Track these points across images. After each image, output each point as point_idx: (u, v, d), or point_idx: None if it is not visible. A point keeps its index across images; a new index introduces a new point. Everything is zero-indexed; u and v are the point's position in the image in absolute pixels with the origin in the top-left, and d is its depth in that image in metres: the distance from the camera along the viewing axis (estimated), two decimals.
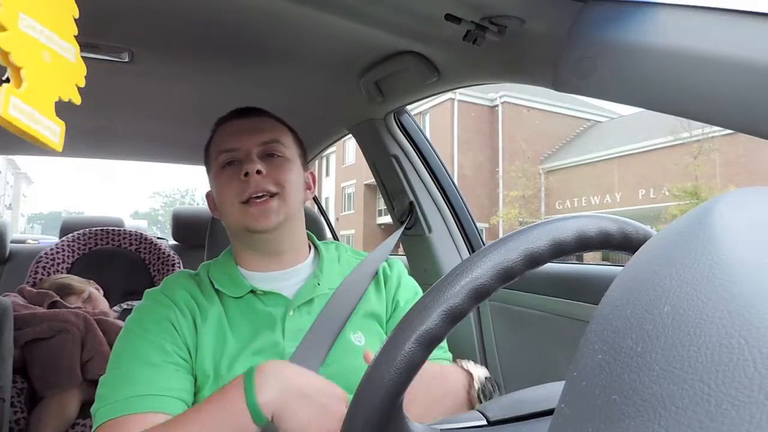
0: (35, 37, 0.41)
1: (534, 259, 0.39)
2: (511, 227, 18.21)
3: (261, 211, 0.83)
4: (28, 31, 0.40)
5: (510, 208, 18.63)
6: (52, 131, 0.42)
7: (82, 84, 0.45)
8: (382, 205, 22.48)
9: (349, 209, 24.05)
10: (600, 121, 21.78)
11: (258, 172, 0.83)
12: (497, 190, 19.82)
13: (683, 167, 14.63)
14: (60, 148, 0.42)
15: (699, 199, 13.43)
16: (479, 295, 0.38)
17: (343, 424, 0.38)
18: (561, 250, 0.40)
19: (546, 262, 0.40)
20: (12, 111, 0.39)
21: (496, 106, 20.57)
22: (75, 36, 0.45)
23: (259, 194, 0.84)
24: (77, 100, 0.44)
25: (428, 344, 0.37)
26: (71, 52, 0.44)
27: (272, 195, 0.84)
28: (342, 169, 24.16)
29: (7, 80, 0.40)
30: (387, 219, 21.68)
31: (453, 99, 19.70)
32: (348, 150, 22.95)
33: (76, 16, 0.45)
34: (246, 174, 0.83)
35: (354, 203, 23.62)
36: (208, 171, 0.93)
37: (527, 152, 19.58)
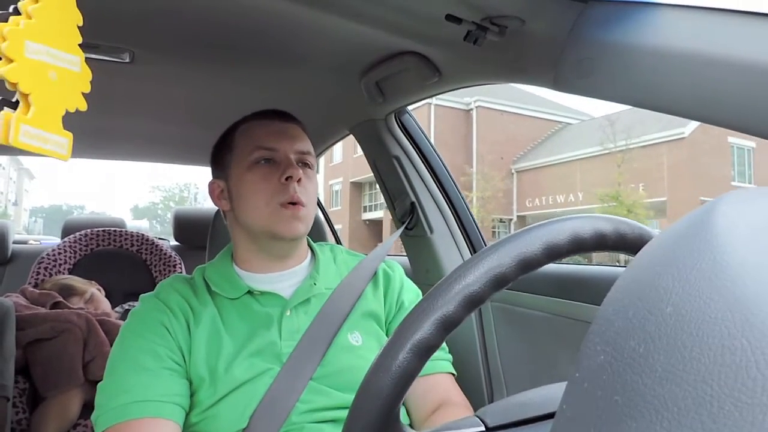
0: (41, 60, 0.42)
1: (527, 264, 0.40)
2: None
3: (294, 217, 0.83)
4: (34, 57, 0.42)
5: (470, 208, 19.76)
6: (60, 145, 0.44)
7: (88, 90, 0.46)
8: (367, 201, 24.24)
9: (336, 205, 25.31)
10: (571, 123, 23.16)
11: (299, 180, 0.84)
12: (466, 191, 20.50)
13: (624, 170, 16.46)
14: (67, 159, 0.44)
15: (618, 201, 15.77)
16: (472, 302, 0.38)
17: (346, 421, 0.39)
18: (555, 254, 0.40)
19: (540, 266, 0.40)
20: (22, 138, 0.41)
21: (471, 109, 21.65)
22: (80, 41, 0.46)
23: (295, 202, 0.84)
24: (83, 106, 0.45)
25: (423, 353, 0.38)
26: (76, 62, 0.45)
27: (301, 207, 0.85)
28: (330, 168, 25.41)
29: (17, 102, 0.41)
30: (371, 215, 23.76)
31: (430, 103, 20.67)
32: (335, 149, 23.59)
33: (80, 24, 0.45)
34: (287, 178, 0.83)
35: (341, 200, 24.87)
36: (226, 163, 0.90)
37: (495, 154, 20.93)
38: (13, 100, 0.42)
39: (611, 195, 16.06)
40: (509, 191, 21.13)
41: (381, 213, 23.04)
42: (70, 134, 0.44)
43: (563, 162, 20.08)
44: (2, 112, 0.41)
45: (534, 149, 22.36)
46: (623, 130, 16.33)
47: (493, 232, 21.29)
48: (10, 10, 0.42)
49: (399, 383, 0.37)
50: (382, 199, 22.95)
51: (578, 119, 23.58)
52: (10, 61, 0.40)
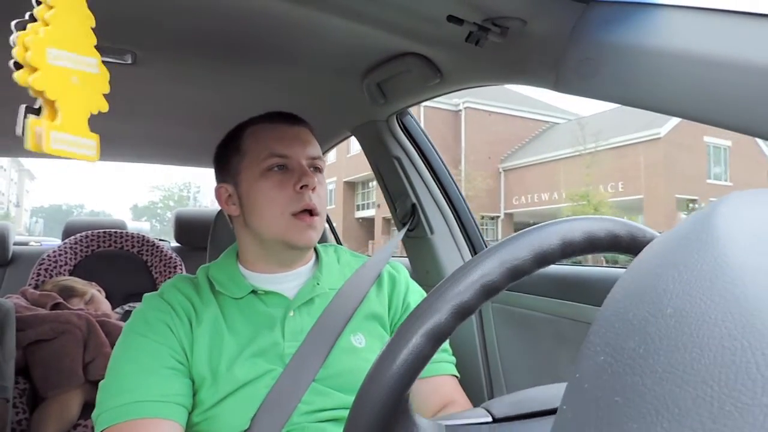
0: (63, 66, 0.43)
1: (543, 259, 0.40)
2: None
3: (307, 225, 0.84)
4: (56, 63, 0.42)
5: None
6: (89, 147, 0.45)
7: (107, 90, 0.47)
8: (360, 200, 25.08)
9: (330, 204, 26.14)
10: (558, 123, 23.84)
11: (314, 188, 0.84)
12: None
13: (596, 171, 17.43)
14: (97, 159, 0.45)
15: (588, 201, 16.89)
16: (489, 291, 0.39)
17: (349, 415, 0.39)
18: (571, 250, 0.41)
19: (555, 262, 0.41)
20: (54, 145, 0.42)
21: (460, 111, 22.21)
22: (95, 42, 0.47)
23: (310, 209, 0.84)
24: (105, 107, 0.46)
25: (436, 339, 0.38)
26: (94, 64, 0.46)
27: (315, 214, 0.85)
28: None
29: (39, 110, 0.42)
30: (365, 213, 24.45)
31: (419, 105, 21.18)
32: None
33: (93, 25, 0.46)
34: (302, 187, 0.83)
35: (335, 199, 25.60)
36: (235, 168, 0.89)
37: (483, 154, 21.79)
38: (36, 107, 0.43)
39: (580, 194, 17.27)
40: (492, 190, 21.74)
41: (373, 212, 23.48)
42: (97, 136, 0.45)
43: (548, 161, 20.77)
44: (29, 120, 0.42)
45: (521, 149, 22.96)
46: (594, 132, 17.25)
47: (483, 230, 21.70)
48: (26, 17, 0.42)
49: (411, 367, 0.37)
50: (374, 198, 23.07)
51: (565, 119, 24.15)
52: (35, 69, 0.41)
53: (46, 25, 0.42)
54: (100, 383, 0.76)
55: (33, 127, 0.41)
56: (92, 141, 0.44)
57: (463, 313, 0.38)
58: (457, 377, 0.91)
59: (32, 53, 0.40)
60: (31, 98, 0.43)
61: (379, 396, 0.37)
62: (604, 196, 17.37)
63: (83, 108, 0.44)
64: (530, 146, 22.72)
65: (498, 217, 22.36)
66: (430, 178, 1.45)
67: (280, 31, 0.97)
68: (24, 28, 0.42)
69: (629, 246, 0.42)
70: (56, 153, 0.42)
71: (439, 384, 0.87)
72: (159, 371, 0.75)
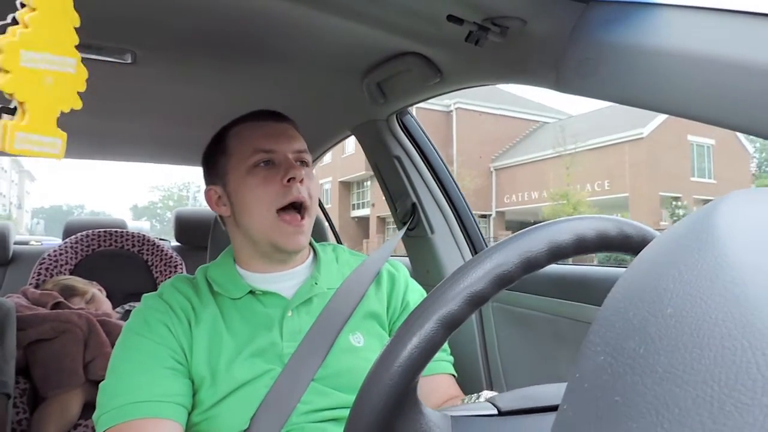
0: (37, 68, 0.42)
1: (558, 252, 0.41)
2: None
3: (295, 230, 0.83)
4: (29, 66, 0.42)
5: None
6: (54, 145, 0.44)
7: (83, 89, 0.46)
8: (356, 199, 25.45)
9: (326, 204, 26.89)
10: (548, 122, 24.06)
11: (301, 180, 0.83)
12: None
13: (581, 171, 18.08)
14: (61, 158, 0.45)
15: (567, 200, 17.70)
16: (503, 281, 0.39)
17: (357, 399, 0.39)
18: (584, 247, 0.42)
19: (568, 257, 0.42)
20: (18, 145, 0.41)
21: (451, 111, 22.46)
22: (76, 41, 0.46)
23: (297, 203, 0.83)
24: (78, 106, 0.45)
25: (449, 326, 0.38)
26: (72, 64, 0.45)
27: (304, 212, 0.85)
28: (320, 168, 26.44)
29: (14, 109, 0.42)
30: (360, 212, 24.82)
31: (413, 106, 22.06)
32: None
33: (77, 25, 0.45)
34: (289, 180, 0.83)
35: (330, 198, 26.04)
36: (222, 168, 0.89)
37: (474, 153, 22.14)
38: (12, 106, 0.43)
39: (561, 194, 17.95)
40: (483, 189, 21.91)
41: (368, 210, 23.70)
42: (64, 134, 0.44)
43: (538, 160, 21.05)
44: (2, 120, 0.42)
45: (512, 148, 23.15)
46: (576, 132, 17.70)
47: None
48: (9, 20, 0.42)
49: (423, 353, 0.37)
50: (368, 198, 23.24)
51: (556, 118, 24.30)
52: (7, 72, 0.40)
53: (26, 27, 0.41)
54: (101, 384, 0.76)
55: (3, 127, 0.41)
56: (58, 140, 0.44)
57: (477, 301, 0.39)
58: (454, 376, 0.91)
59: (5, 56, 0.40)
60: (8, 99, 0.43)
61: (390, 380, 0.37)
62: (583, 195, 17.88)
63: (54, 107, 0.43)
64: (521, 145, 22.93)
65: (489, 215, 22.54)
66: (431, 177, 1.45)
67: (279, 31, 0.97)
68: (4, 32, 0.42)
69: (639, 247, 0.43)
70: (20, 152, 0.42)
71: (438, 382, 0.87)
72: (158, 371, 0.75)
